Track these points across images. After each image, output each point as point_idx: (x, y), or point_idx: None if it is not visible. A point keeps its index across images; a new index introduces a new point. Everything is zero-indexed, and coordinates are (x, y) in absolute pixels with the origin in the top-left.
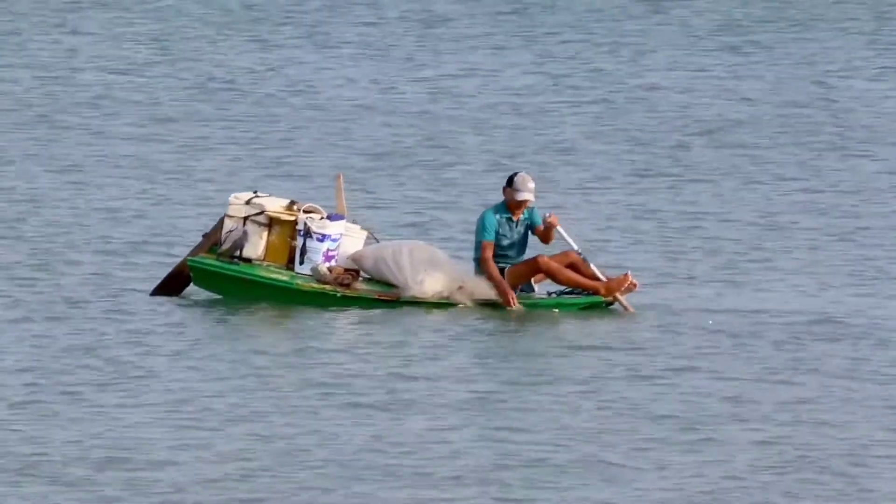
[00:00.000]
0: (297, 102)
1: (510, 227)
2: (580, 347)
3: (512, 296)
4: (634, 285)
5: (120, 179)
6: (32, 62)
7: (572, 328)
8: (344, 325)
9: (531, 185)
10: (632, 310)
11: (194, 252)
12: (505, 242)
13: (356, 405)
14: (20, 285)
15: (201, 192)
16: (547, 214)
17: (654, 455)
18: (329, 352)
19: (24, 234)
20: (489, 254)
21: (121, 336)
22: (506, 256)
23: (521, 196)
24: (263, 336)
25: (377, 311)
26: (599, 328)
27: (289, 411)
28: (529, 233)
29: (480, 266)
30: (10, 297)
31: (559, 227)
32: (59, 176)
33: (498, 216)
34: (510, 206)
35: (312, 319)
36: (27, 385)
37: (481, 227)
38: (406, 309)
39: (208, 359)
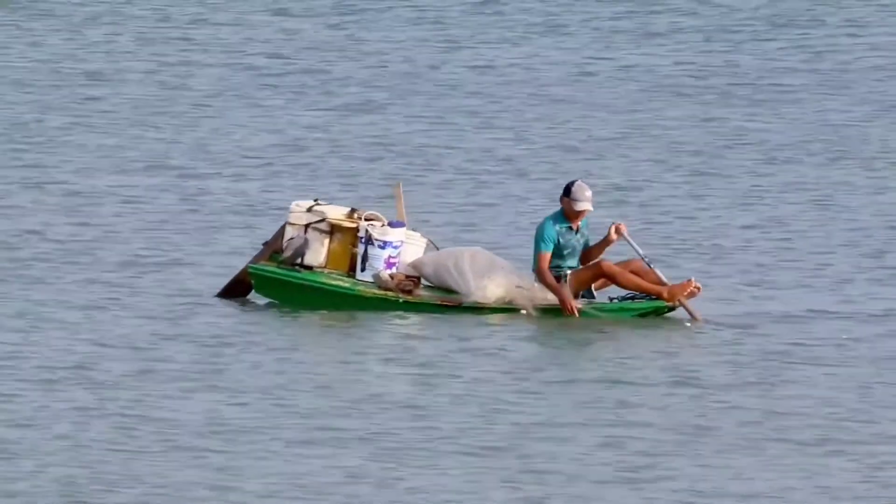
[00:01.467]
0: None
1: (570, 236)
2: (650, 355)
3: (573, 304)
4: (698, 289)
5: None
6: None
7: (638, 334)
8: (407, 330)
9: (588, 193)
10: (699, 316)
11: (255, 260)
12: (565, 252)
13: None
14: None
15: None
16: (613, 224)
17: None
18: (392, 357)
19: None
20: (545, 265)
21: (188, 337)
22: (563, 265)
23: (580, 206)
24: (331, 341)
25: (440, 317)
26: (668, 336)
27: (364, 416)
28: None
29: (538, 277)
30: (92, 295)
31: (624, 232)
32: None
33: (557, 226)
34: (568, 215)
35: (375, 325)
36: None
37: (539, 238)
38: (469, 315)
39: (277, 362)
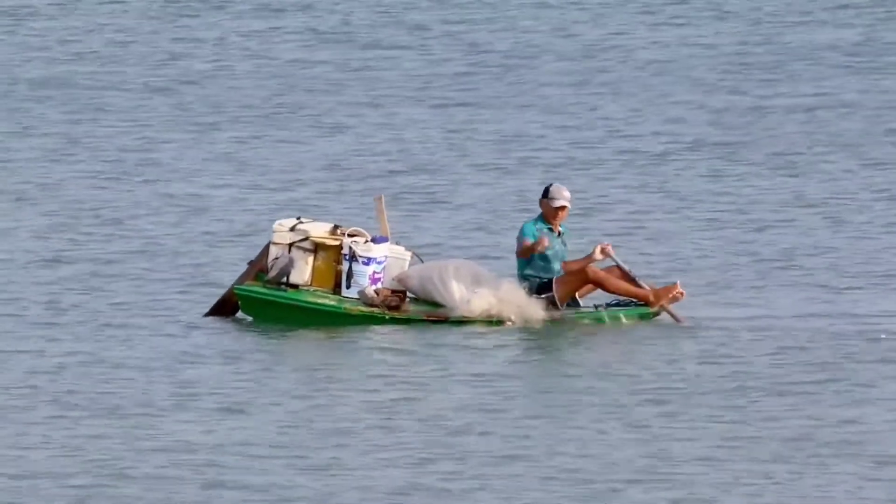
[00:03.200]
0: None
1: (551, 238)
2: (638, 363)
3: (544, 242)
4: (682, 294)
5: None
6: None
7: (624, 340)
8: (393, 346)
9: (566, 193)
10: (683, 320)
11: (240, 280)
12: (549, 253)
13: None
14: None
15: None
16: (599, 245)
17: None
18: (383, 373)
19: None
20: (525, 244)
21: (178, 357)
22: (549, 269)
23: (558, 203)
24: (318, 360)
25: (425, 332)
26: (654, 342)
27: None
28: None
29: (521, 252)
30: (61, 309)
31: (611, 251)
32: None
33: (537, 227)
34: (547, 216)
35: (362, 342)
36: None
37: (521, 234)
38: (454, 328)
39: (264, 382)
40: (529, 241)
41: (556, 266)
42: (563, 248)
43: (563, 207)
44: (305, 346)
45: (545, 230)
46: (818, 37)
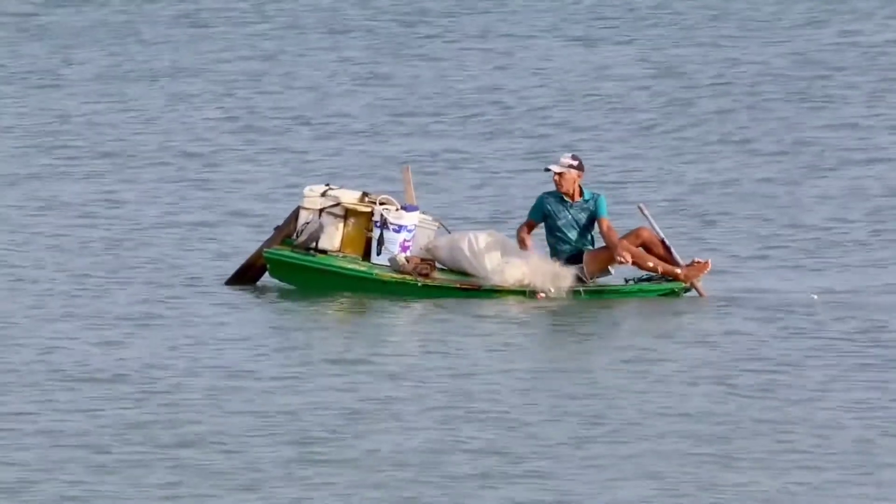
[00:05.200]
0: None
1: (563, 206)
2: (669, 337)
3: (527, 243)
4: (708, 268)
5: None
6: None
7: (658, 316)
8: (425, 314)
9: (563, 159)
10: (705, 294)
11: (267, 244)
12: (560, 222)
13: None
14: (98, 273)
15: None
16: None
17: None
18: (413, 344)
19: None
20: (522, 226)
21: (204, 326)
22: (563, 238)
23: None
24: (353, 326)
25: (458, 301)
26: (684, 317)
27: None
28: (595, 222)
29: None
30: (89, 282)
31: (646, 212)
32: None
33: (550, 197)
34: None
35: (393, 309)
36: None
37: (531, 208)
38: (487, 298)
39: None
40: (525, 224)
41: (572, 235)
42: (576, 217)
43: (551, 171)
44: (337, 311)
45: (554, 200)
46: None
